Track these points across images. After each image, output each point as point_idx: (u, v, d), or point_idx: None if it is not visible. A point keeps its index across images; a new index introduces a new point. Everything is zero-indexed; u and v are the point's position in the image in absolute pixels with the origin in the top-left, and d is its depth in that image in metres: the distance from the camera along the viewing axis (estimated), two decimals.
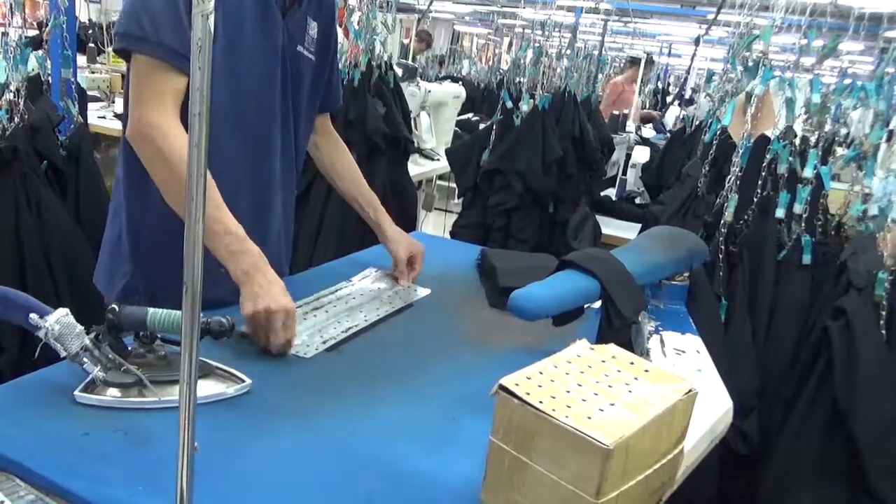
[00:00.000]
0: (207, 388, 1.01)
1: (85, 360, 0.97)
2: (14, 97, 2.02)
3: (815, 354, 1.72)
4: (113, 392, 0.98)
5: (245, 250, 1.13)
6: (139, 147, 1.18)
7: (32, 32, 3.52)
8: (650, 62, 6.50)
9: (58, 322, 0.96)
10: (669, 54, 12.00)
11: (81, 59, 5.14)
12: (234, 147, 1.28)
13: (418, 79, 3.71)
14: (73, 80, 2.36)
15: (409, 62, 4.40)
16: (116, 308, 1.00)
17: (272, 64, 1.31)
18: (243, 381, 1.05)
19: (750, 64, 2.07)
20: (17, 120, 2.02)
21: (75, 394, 0.97)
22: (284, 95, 1.35)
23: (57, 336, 0.96)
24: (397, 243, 1.56)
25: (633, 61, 6.50)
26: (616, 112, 5.34)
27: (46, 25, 2.31)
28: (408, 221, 2.99)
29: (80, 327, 0.98)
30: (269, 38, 1.28)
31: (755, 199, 1.92)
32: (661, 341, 1.34)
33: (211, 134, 1.18)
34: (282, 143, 1.38)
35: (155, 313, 1.00)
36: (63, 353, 0.97)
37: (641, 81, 6.19)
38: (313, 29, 1.39)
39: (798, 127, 1.96)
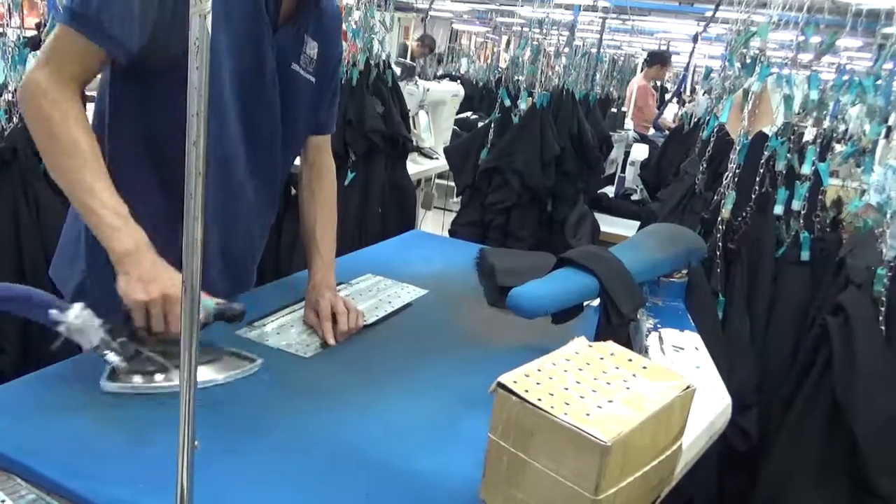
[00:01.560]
0: (224, 368, 1.07)
1: (106, 351, 0.99)
2: (13, 98, 2.02)
3: (814, 350, 1.72)
4: (137, 379, 1.00)
5: (125, 227, 1.03)
6: (25, 106, 1.10)
7: (31, 33, 3.52)
8: (654, 61, 6.32)
9: (77, 317, 0.97)
10: (667, 51, 11.99)
11: None
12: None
13: (417, 77, 3.71)
14: None
15: (409, 61, 4.40)
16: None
17: (257, 78, 1.24)
18: (254, 360, 1.10)
19: (747, 61, 2.07)
20: (15, 120, 2.02)
21: (101, 384, 0.99)
22: (270, 110, 1.29)
23: (77, 330, 0.97)
24: (317, 293, 1.34)
25: (653, 59, 6.32)
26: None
27: (44, 26, 2.31)
28: (407, 220, 2.99)
29: (98, 320, 0.99)
30: (256, 51, 1.22)
31: (753, 196, 1.92)
32: (660, 338, 1.34)
33: (167, 145, 1.13)
34: (262, 155, 1.31)
35: None
36: (86, 346, 0.98)
37: (656, 80, 6.10)
38: (312, 48, 1.32)
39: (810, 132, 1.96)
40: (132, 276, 1.01)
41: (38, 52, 2.22)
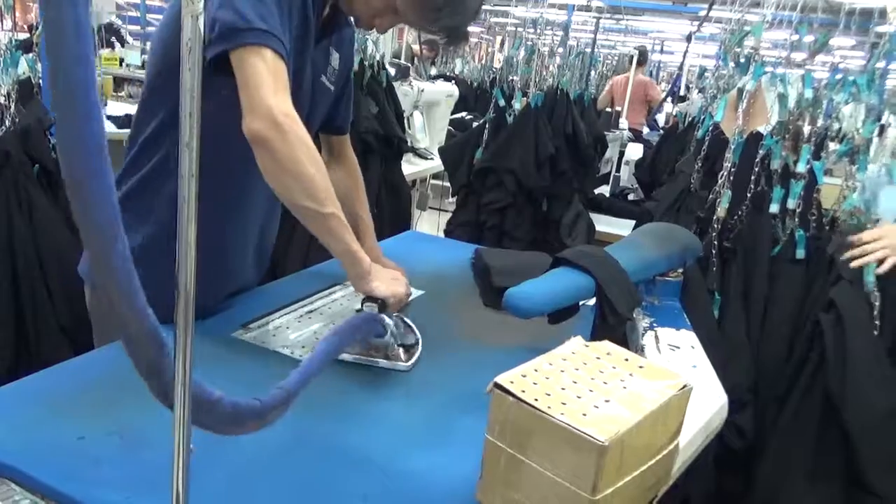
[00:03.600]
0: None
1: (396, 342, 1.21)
2: (5, 101, 2.02)
3: (808, 348, 1.72)
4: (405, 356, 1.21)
5: (361, 252, 1.20)
6: (272, 139, 1.06)
7: (23, 35, 3.51)
8: (643, 59, 6.45)
9: (395, 325, 1.21)
10: (662, 51, 12.03)
11: None
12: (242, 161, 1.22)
13: (411, 78, 3.70)
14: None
15: (403, 61, 4.40)
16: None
17: (299, 92, 1.27)
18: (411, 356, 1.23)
19: (741, 60, 2.07)
20: (7, 124, 2.01)
21: (407, 364, 1.19)
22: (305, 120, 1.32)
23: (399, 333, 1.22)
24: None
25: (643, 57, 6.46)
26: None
27: (37, 28, 2.30)
28: (402, 221, 2.99)
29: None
30: (298, 64, 1.24)
31: (749, 195, 1.92)
32: (656, 337, 1.34)
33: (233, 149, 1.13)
34: None
35: None
36: (396, 342, 1.21)
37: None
38: (336, 60, 1.37)
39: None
40: (382, 281, 1.21)
41: (29, 54, 2.24)
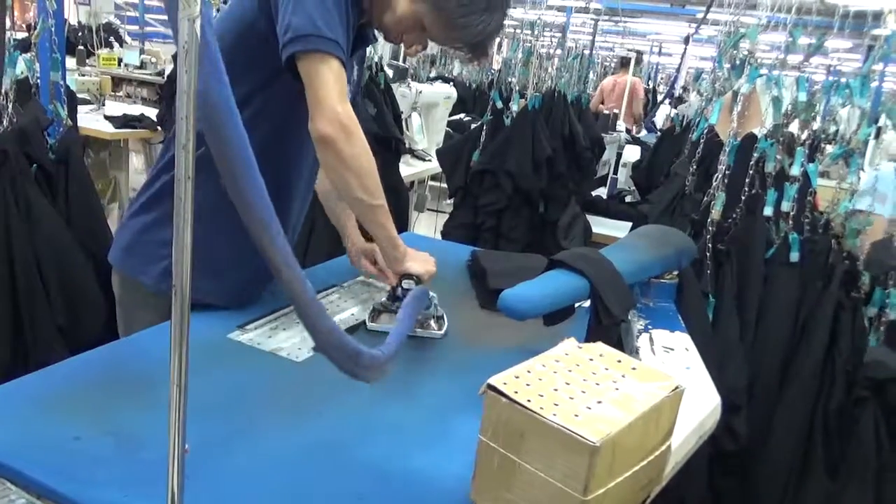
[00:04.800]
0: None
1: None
2: (3, 100, 2.02)
3: (805, 353, 1.73)
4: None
5: (399, 237, 1.35)
6: (338, 140, 1.19)
7: (21, 35, 3.51)
8: (638, 61, 6.53)
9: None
10: (660, 53, 12.04)
11: (71, 62, 5.11)
12: (298, 159, 1.38)
13: (409, 80, 3.71)
14: (62, 82, 2.36)
15: (400, 63, 4.40)
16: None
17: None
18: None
19: (736, 63, 2.08)
20: (5, 123, 2.01)
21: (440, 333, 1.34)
22: None
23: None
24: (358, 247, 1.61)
25: (625, 62, 6.54)
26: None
27: (35, 28, 2.30)
28: (400, 223, 2.99)
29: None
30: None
31: (743, 198, 1.93)
32: (651, 339, 1.35)
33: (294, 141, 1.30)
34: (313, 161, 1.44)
35: None
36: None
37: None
38: (355, 73, 1.44)
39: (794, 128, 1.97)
40: (417, 261, 1.37)
41: (27, 54, 2.24)
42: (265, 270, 0.69)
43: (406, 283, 1.35)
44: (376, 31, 1.40)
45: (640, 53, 7.12)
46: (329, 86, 1.17)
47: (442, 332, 1.35)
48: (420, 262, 1.38)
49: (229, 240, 1.19)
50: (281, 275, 0.68)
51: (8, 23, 2.11)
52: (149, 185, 1.39)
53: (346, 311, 1.43)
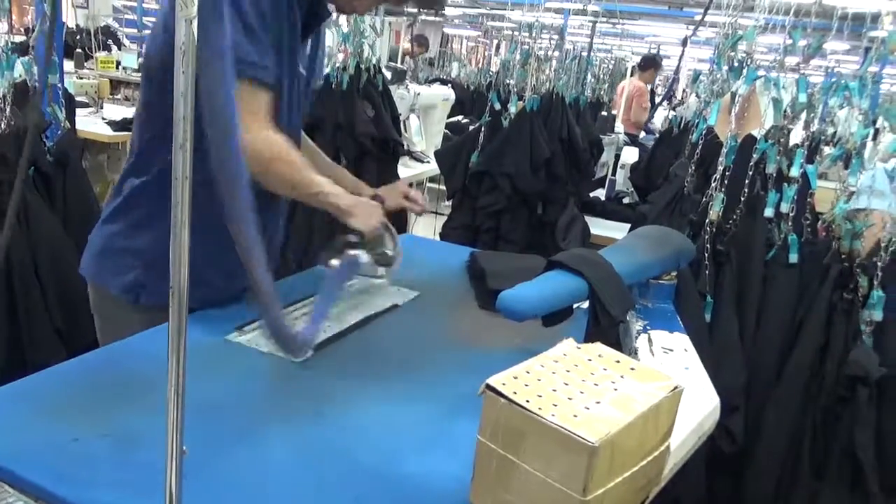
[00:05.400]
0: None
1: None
2: (1, 104, 2.02)
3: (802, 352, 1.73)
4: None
5: (343, 192, 1.35)
6: (265, 160, 1.24)
7: (19, 38, 3.50)
8: (653, 64, 6.52)
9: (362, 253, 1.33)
10: (658, 55, 12.04)
11: (69, 65, 5.11)
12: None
13: (407, 81, 3.71)
14: (59, 85, 2.36)
15: (399, 65, 4.41)
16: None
17: (294, 89, 1.38)
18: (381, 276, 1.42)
19: (735, 64, 2.08)
20: (3, 126, 2.01)
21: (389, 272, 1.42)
22: (290, 111, 1.40)
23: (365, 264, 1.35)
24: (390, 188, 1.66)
25: (646, 63, 6.49)
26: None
27: (33, 31, 2.30)
28: (398, 224, 2.98)
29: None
30: (292, 60, 1.34)
31: (742, 199, 1.93)
32: (649, 340, 1.35)
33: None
34: None
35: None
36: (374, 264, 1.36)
37: (649, 84, 6.22)
38: (308, 48, 1.43)
39: (798, 134, 1.97)
40: (360, 216, 1.33)
41: (25, 57, 2.24)
42: (236, 273, 0.72)
43: (347, 246, 1.32)
44: (329, 6, 1.40)
45: (657, 56, 7.07)
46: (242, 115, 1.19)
47: (382, 275, 1.36)
48: (362, 216, 1.33)
49: (202, 240, 1.19)
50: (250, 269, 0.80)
51: (6, 26, 2.12)
52: (117, 190, 1.39)
53: (344, 311, 1.42)
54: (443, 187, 3.08)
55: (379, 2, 1.41)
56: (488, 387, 0.78)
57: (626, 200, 3.54)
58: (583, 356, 0.88)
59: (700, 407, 1.09)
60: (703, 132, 2.28)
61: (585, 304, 1.38)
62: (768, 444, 1.73)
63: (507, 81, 3.14)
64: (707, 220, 1.93)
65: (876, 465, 1.59)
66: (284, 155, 1.28)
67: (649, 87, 6.56)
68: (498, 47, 9.60)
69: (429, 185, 4.01)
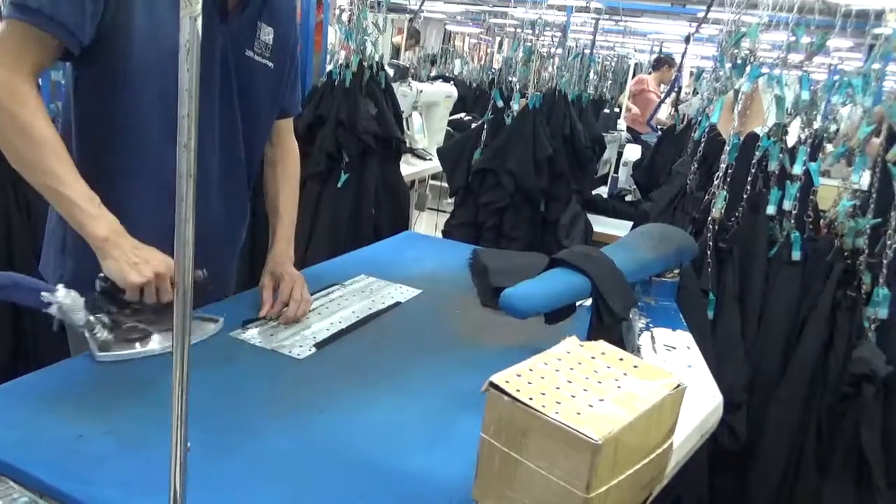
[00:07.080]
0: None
1: (96, 326, 1.05)
2: None
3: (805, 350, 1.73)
4: (128, 347, 1.09)
5: (101, 214, 1.08)
6: None
7: None
8: (665, 63, 6.61)
9: (66, 296, 1.03)
10: (661, 52, 12.02)
11: None
12: (162, 146, 1.21)
13: (410, 79, 3.71)
14: (63, 81, 2.36)
15: (401, 62, 4.41)
16: (104, 274, 1.06)
17: (206, 67, 1.23)
18: (216, 320, 1.21)
19: (738, 61, 2.08)
20: None
21: (97, 355, 1.07)
22: (228, 99, 1.30)
23: (68, 308, 1.03)
24: (278, 264, 1.42)
25: (660, 62, 6.59)
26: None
27: None
28: (400, 221, 2.99)
29: (82, 299, 1.05)
30: (205, 42, 1.21)
31: (745, 196, 1.93)
32: (652, 338, 1.35)
33: (140, 131, 1.20)
34: (224, 145, 1.32)
35: None
36: (78, 323, 1.04)
37: (663, 83, 6.25)
38: (268, 34, 1.33)
39: (795, 130, 1.96)
40: (121, 261, 1.06)
41: None
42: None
43: (99, 283, 1.07)
44: None
45: (669, 56, 7.11)
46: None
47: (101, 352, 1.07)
48: (122, 263, 1.06)
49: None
50: None
51: None
52: None
53: (346, 308, 1.42)
54: (445, 184, 3.08)
55: None
56: (492, 384, 0.78)
57: (628, 198, 3.54)
58: (586, 354, 0.88)
59: (703, 404, 1.09)
60: (706, 130, 2.28)
61: (588, 302, 1.38)
62: (771, 441, 1.73)
63: (510, 79, 3.14)
64: (709, 218, 1.93)
65: (883, 460, 1.59)
66: (19, 112, 1.07)
67: (662, 85, 6.60)
68: (500, 44, 9.59)
69: (431, 182, 4.01)
